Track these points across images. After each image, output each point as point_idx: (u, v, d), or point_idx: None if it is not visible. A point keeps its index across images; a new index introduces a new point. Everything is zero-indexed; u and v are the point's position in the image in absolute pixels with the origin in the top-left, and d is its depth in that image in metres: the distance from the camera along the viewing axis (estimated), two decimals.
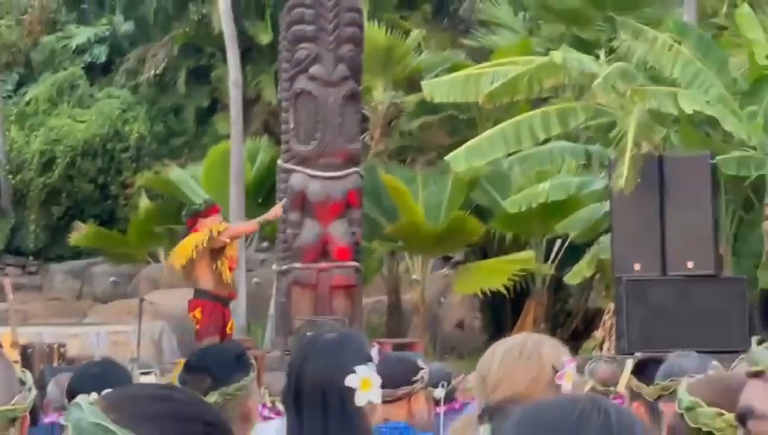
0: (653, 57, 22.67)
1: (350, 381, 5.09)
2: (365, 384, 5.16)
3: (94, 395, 2.87)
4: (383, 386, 6.04)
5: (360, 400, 5.11)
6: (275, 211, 20.72)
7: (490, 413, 4.49)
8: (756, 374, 1.80)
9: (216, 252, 19.11)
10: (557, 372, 4.55)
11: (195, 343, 18.50)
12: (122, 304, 28.95)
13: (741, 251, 23.26)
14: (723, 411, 3.97)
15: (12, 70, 38.41)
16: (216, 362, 6.62)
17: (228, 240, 19.32)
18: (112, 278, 32.24)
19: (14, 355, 20.09)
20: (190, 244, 19.26)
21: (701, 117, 22.07)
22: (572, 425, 2.46)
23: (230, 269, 19.54)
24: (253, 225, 21.76)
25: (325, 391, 5.14)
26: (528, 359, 4.60)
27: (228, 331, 19.09)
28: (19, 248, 35.32)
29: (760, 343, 1.85)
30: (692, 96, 21.82)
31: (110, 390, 3.02)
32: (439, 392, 8.71)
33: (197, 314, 19.49)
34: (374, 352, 5.41)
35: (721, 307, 17.32)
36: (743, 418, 1.84)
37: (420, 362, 7.25)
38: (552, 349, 4.68)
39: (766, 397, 1.78)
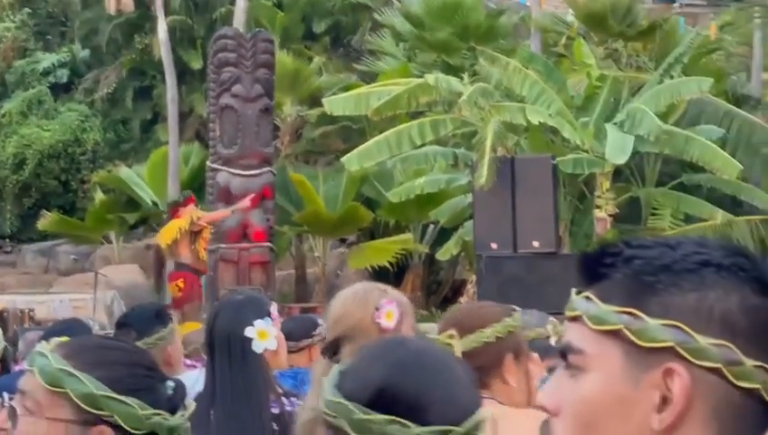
0: (506, 79, 22.76)
1: (248, 332, 5.18)
2: (262, 335, 5.22)
3: (54, 341, 2.89)
4: (290, 339, 6.36)
5: (258, 347, 5.20)
6: (243, 203, 21.25)
7: (330, 348, 4.46)
8: (573, 319, 1.83)
9: (194, 234, 19.75)
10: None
11: (176, 307, 18.39)
12: (81, 277, 28.63)
13: (576, 233, 23.42)
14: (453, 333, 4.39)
15: None
16: (138, 319, 6.72)
17: (205, 224, 19.78)
18: (73, 256, 31.93)
19: None
20: (174, 227, 20.07)
21: (545, 127, 22.19)
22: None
23: (204, 249, 19.95)
24: (225, 212, 21.58)
25: (230, 340, 5.21)
26: (358, 301, 4.52)
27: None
28: None
29: (578, 293, 1.85)
30: (537, 110, 21.93)
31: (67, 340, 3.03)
32: None
33: (180, 283, 20.07)
34: (273, 309, 5.41)
35: (560, 278, 17.31)
36: (564, 353, 1.84)
37: (319, 321, 7.24)
38: (377, 294, 4.56)
39: (580, 336, 1.79)
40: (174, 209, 20.55)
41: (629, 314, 1.75)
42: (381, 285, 4.81)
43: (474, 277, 21.11)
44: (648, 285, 1.76)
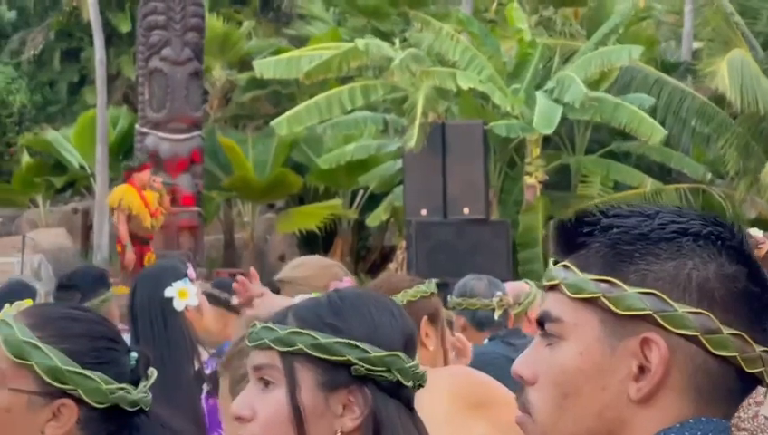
0: (438, 44, 22.78)
1: (168, 292, 5.32)
2: (182, 294, 5.35)
3: (17, 307, 2.91)
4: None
5: (179, 305, 5.31)
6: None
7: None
8: (551, 287, 1.83)
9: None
10: None
11: (120, 270, 19.11)
12: (8, 241, 28.48)
13: (506, 200, 23.49)
14: None
15: None
16: (84, 281, 6.84)
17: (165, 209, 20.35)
18: (0, 219, 31.85)
19: None
20: (118, 194, 20.19)
21: (476, 92, 22.28)
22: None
23: (153, 215, 19.89)
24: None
25: (150, 304, 5.32)
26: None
27: (146, 262, 19.18)
28: None
29: (555, 263, 1.86)
30: (468, 76, 21.96)
31: (30, 306, 3.04)
32: None
33: (118, 248, 20.41)
34: (190, 271, 5.53)
35: (490, 244, 17.49)
36: (541, 321, 1.84)
37: None
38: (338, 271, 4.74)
39: (558, 305, 1.80)
40: (128, 174, 20.53)
41: (607, 282, 1.78)
42: (338, 264, 5.06)
43: (403, 243, 21.25)
44: (625, 254, 1.79)
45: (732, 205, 22.77)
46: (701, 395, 1.78)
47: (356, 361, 2.41)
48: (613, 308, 1.77)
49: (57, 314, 3.04)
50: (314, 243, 26.89)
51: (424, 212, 17.96)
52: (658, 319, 1.75)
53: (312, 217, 26.48)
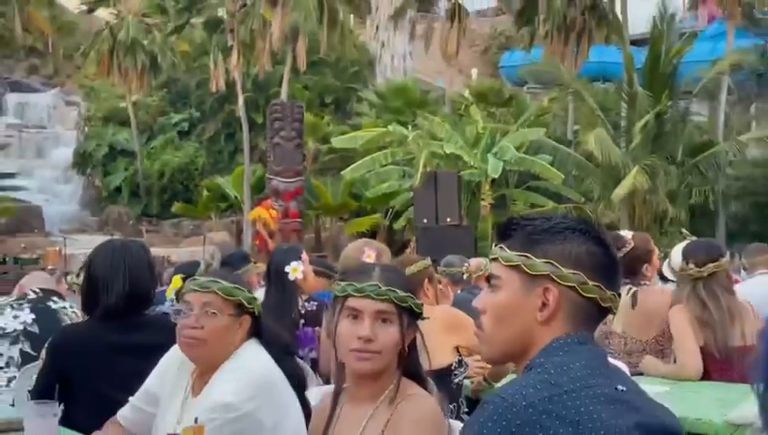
0: (433, 128, 22.89)
1: (287, 268, 4.98)
2: (294, 270, 4.97)
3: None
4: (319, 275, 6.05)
5: (292, 277, 5.01)
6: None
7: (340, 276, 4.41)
8: (493, 259, 1.87)
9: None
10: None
11: (258, 253, 18.44)
12: (196, 239, 28.58)
13: (470, 214, 23.36)
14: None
15: None
16: (234, 260, 6.54)
17: (274, 226, 19.99)
18: (191, 227, 31.87)
19: None
20: (256, 212, 20.59)
21: (453, 155, 22.31)
22: None
23: (275, 222, 20.04)
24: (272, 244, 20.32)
25: (277, 271, 5.01)
26: (353, 248, 4.51)
27: (271, 249, 19.03)
28: None
29: (495, 245, 1.88)
30: (449, 145, 22.03)
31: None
32: None
33: (256, 241, 20.52)
34: (303, 255, 5.20)
35: (462, 239, 17.22)
36: (488, 279, 1.87)
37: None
38: (362, 243, 4.53)
39: (497, 269, 1.82)
40: (258, 201, 20.67)
41: (524, 256, 1.80)
42: (369, 240, 4.79)
43: (414, 238, 21.20)
44: (534, 240, 1.81)
45: (595, 215, 22.72)
46: (578, 320, 1.79)
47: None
48: (527, 270, 1.79)
49: (225, 274, 3.03)
50: (364, 238, 26.94)
51: (425, 221, 17.87)
52: (553, 277, 1.78)
53: (363, 224, 26.48)
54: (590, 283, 1.78)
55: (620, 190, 20.65)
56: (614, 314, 1.86)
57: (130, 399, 3.11)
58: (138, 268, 3.67)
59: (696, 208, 23.59)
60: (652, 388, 4.05)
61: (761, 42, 29.97)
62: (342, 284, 2.48)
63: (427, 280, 4.21)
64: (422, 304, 2.52)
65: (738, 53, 25.82)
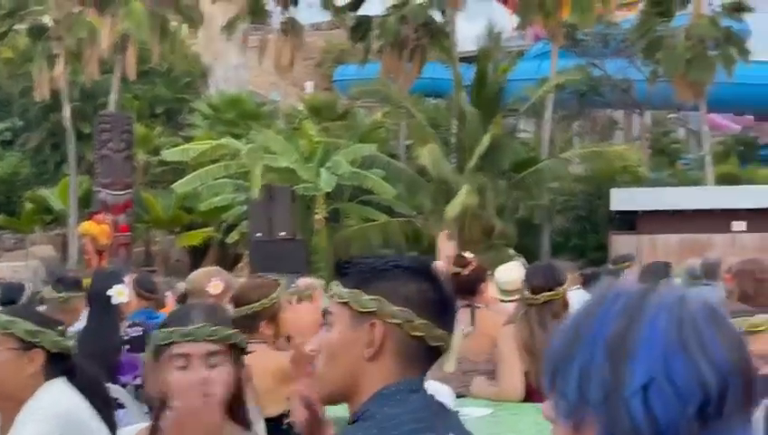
0: (267, 141, 22.90)
1: (109, 292, 4.79)
2: (119, 293, 4.81)
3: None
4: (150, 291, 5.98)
5: (115, 300, 4.83)
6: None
7: (181, 298, 4.37)
8: (331, 296, 1.89)
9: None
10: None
11: (86, 269, 17.83)
12: (20, 253, 27.59)
13: (304, 227, 23.43)
14: None
15: None
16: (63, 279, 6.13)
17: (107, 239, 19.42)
18: (13, 241, 30.72)
19: None
20: (85, 226, 19.60)
21: (288, 169, 22.39)
22: None
23: (106, 238, 19.36)
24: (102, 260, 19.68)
25: (99, 296, 4.84)
26: (201, 275, 4.48)
27: (102, 264, 18.54)
28: None
29: (333, 282, 1.91)
30: (284, 159, 22.14)
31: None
32: None
33: (86, 256, 19.55)
34: (126, 278, 5.03)
35: (295, 252, 17.38)
36: (324, 314, 1.91)
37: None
38: (213, 272, 4.46)
39: (332, 305, 1.85)
40: (90, 215, 20.15)
41: (354, 292, 1.79)
42: (219, 269, 4.66)
43: (247, 252, 21.13)
44: (366, 278, 1.80)
45: (427, 230, 23.27)
46: (406, 358, 1.78)
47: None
48: (355, 307, 1.78)
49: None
50: (197, 252, 26.67)
51: (259, 235, 17.88)
52: (380, 313, 1.76)
53: (195, 238, 26.20)
54: (418, 320, 1.76)
55: (453, 208, 21.20)
56: (446, 352, 1.84)
57: None
58: None
59: (523, 223, 24.54)
60: (476, 410, 4.25)
61: (583, 62, 31.45)
62: (165, 331, 2.35)
63: (266, 320, 3.90)
64: (246, 340, 2.46)
65: (562, 73, 27.06)
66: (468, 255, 5.27)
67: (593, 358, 1.02)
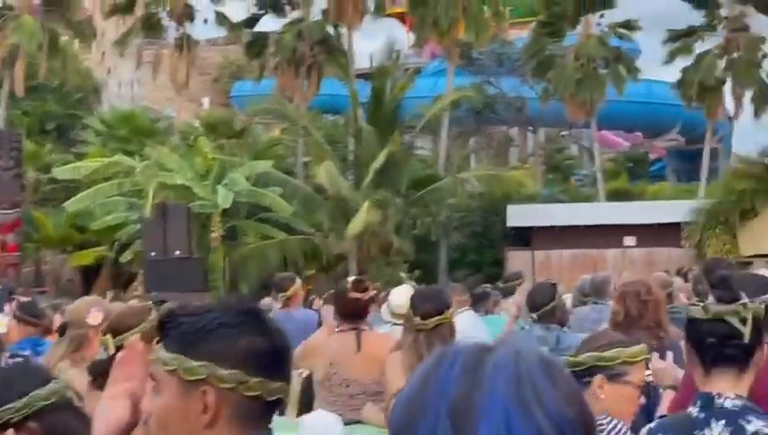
0: (161, 158, 22.60)
1: None
2: None
3: None
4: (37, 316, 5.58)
5: None
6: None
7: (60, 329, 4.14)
8: (155, 360, 1.80)
9: None
10: None
11: None
12: None
13: (200, 245, 23.13)
14: None
15: None
16: None
17: None
18: None
19: None
20: None
21: (183, 186, 22.16)
22: None
23: None
24: None
25: None
26: (84, 305, 4.38)
27: None
28: None
29: (156, 343, 1.81)
30: (179, 176, 21.91)
31: None
32: None
33: None
34: (7, 307, 4.99)
35: (192, 271, 17.11)
36: (152, 378, 1.81)
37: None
38: (92, 302, 4.41)
39: (157, 370, 1.77)
40: None
41: (179, 358, 1.71)
42: (99, 299, 4.49)
43: (141, 271, 20.79)
44: (190, 341, 1.72)
45: (326, 247, 23.30)
46: (244, 420, 1.72)
47: None
48: (182, 375, 1.70)
49: None
50: (89, 272, 26.14)
51: (154, 254, 17.61)
52: (210, 379, 1.69)
53: (87, 257, 25.65)
54: (252, 379, 1.70)
55: (355, 226, 21.29)
56: (286, 403, 1.80)
57: None
58: None
59: (420, 239, 24.80)
60: None
61: (478, 81, 32.06)
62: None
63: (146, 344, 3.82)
64: None
65: (458, 90, 27.51)
66: (355, 277, 5.30)
67: (437, 425, 1.01)
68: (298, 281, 7.64)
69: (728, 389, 2.46)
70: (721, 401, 2.44)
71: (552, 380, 1.03)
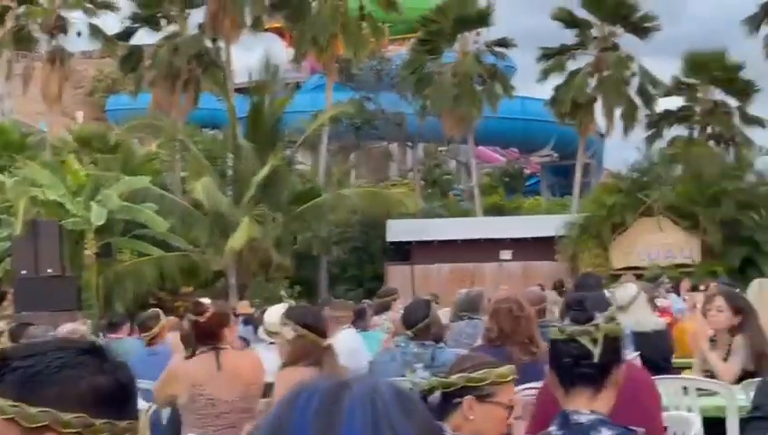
0: (32, 175, 22.01)
1: None
2: None
3: None
4: None
5: None
6: None
7: None
8: None
9: None
10: None
11: None
12: None
13: (74, 263, 22.48)
14: None
15: None
16: None
17: None
18: None
19: None
20: None
21: (55, 202, 21.63)
22: None
23: None
24: None
25: None
26: None
27: None
28: None
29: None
30: (51, 193, 21.39)
31: None
32: None
33: None
34: None
35: (66, 290, 16.86)
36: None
37: None
38: None
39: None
40: None
41: (18, 406, 1.58)
42: None
43: (12, 290, 20.23)
44: (28, 387, 1.59)
45: (204, 263, 23.06)
46: None
47: None
48: (24, 423, 1.57)
49: None
50: None
51: (24, 272, 17.19)
52: (53, 425, 1.57)
53: None
54: (98, 422, 1.59)
55: (236, 241, 21.12)
56: None
57: None
58: None
59: (301, 254, 24.79)
60: None
61: (357, 96, 32.30)
62: None
63: None
64: None
65: (337, 106, 27.67)
66: (205, 301, 5.39)
67: None
68: (163, 318, 7.72)
69: (584, 406, 2.52)
70: (576, 417, 2.50)
71: (408, 414, 1.05)
